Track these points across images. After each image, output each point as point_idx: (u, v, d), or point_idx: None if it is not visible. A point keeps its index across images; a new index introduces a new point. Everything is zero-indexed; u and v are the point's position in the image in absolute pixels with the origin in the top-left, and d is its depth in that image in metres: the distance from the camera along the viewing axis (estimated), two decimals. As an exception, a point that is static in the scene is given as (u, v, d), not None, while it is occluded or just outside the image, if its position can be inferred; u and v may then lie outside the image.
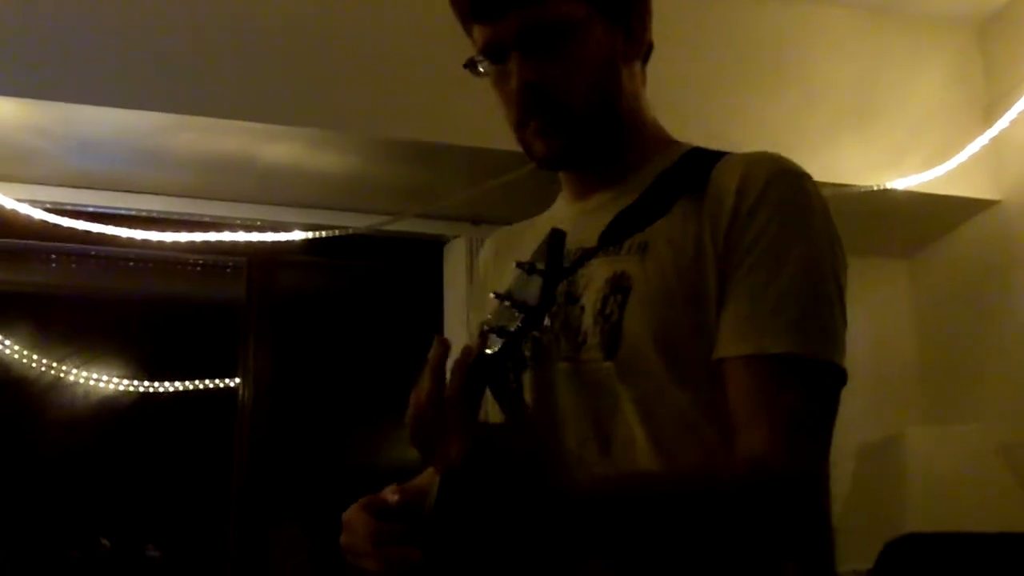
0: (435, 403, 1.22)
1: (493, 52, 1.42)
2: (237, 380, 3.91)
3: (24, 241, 3.67)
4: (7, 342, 4.17)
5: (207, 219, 3.66)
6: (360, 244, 3.79)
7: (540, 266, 1.25)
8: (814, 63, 3.83)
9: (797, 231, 1.33)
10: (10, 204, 3.32)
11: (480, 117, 3.14)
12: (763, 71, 3.78)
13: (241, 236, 3.61)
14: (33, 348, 4.22)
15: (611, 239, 1.36)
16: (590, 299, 1.37)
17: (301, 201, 3.72)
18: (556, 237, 1.28)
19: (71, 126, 3.19)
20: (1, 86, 3.02)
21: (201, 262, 3.98)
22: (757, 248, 1.31)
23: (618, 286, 1.35)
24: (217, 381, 4.33)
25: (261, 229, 3.66)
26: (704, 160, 1.41)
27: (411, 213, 3.69)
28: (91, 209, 3.53)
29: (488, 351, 1.24)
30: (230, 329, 3.94)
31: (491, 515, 1.19)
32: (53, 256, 3.93)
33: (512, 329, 1.23)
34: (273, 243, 3.65)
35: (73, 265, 3.98)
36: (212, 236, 3.57)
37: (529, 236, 1.55)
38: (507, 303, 1.25)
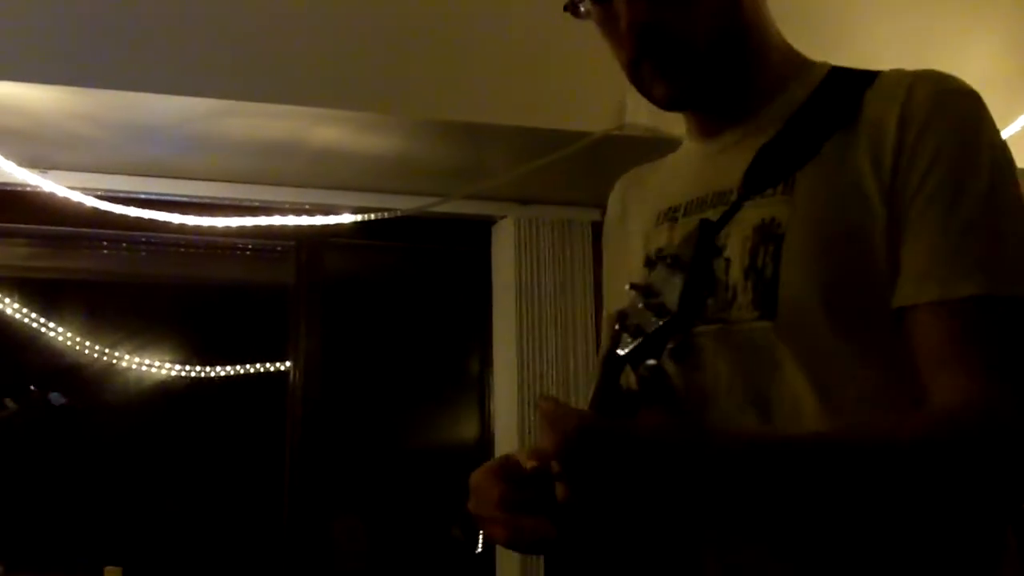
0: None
1: None
2: (288, 363, 3.94)
3: (76, 228, 3.70)
4: (60, 329, 4.21)
5: (256, 203, 3.68)
6: (409, 226, 3.80)
7: (686, 256, 1.10)
8: (864, 32, 3.78)
9: (972, 157, 1.17)
10: (62, 192, 3.35)
11: (527, 97, 3.15)
12: (812, 39, 3.73)
13: (291, 220, 3.63)
14: (86, 334, 4.26)
15: (755, 185, 1.21)
16: (736, 250, 1.21)
17: (350, 184, 3.73)
18: (705, 231, 1.11)
19: (121, 113, 3.21)
20: (51, 75, 3.04)
21: (251, 246, 4.00)
22: (931, 180, 1.15)
23: (769, 234, 1.19)
24: (268, 365, 4.35)
25: (310, 212, 3.67)
26: (851, 84, 1.27)
27: (459, 194, 3.69)
28: (142, 196, 3.56)
29: (620, 351, 1.12)
30: (280, 312, 3.97)
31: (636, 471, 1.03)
32: (105, 243, 3.96)
33: (649, 331, 1.10)
34: (322, 226, 3.66)
35: (124, 251, 4.01)
36: (262, 220, 3.59)
37: (659, 175, 1.43)
38: (640, 304, 1.11)
